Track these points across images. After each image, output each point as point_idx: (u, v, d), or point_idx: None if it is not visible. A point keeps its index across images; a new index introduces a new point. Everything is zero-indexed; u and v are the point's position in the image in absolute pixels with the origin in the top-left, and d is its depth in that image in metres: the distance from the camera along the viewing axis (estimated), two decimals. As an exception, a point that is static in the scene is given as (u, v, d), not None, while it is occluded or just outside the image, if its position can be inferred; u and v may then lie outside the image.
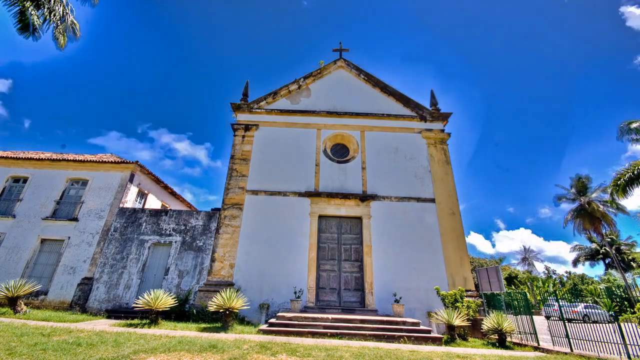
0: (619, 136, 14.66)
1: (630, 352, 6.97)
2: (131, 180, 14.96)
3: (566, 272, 47.62)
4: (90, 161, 15.01)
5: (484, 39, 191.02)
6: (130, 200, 15.00)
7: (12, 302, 10.25)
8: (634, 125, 14.24)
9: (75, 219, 13.83)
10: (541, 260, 47.93)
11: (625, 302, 8.32)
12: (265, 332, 8.85)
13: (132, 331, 7.91)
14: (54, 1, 9.46)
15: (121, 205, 14.16)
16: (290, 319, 9.62)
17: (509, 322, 9.31)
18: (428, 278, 12.21)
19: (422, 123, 15.60)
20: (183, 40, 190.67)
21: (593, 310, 19.48)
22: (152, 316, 9.59)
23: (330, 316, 9.88)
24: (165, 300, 9.83)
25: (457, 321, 9.68)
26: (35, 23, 9.33)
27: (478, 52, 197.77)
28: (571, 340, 8.20)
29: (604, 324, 8.46)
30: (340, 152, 15.33)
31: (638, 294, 8.67)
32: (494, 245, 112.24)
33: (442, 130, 15.35)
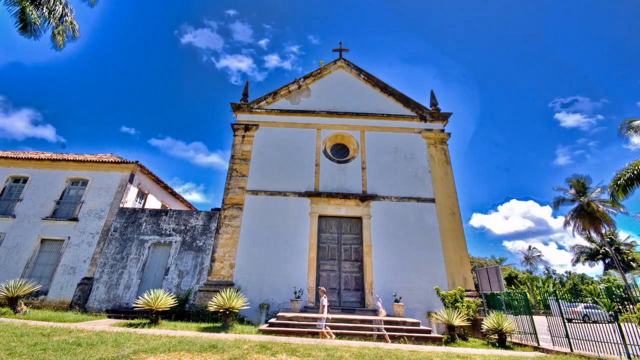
0: (620, 134, 14.74)
1: (630, 352, 6.97)
2: (131, 180, 14.96)
3: (566, 272, 47.68)
4: (90, 161, 15.01)
5: (483, 39, 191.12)
6: (130, 200, 15.00)
7: (12, 302, 10.24)
8: (634, 123, 14.26)
9: (75, 219, 13.82)
10: (543, 259, 47.85)
11: (625, 302, 8.31)
12: (265, 332, 8.85)
13: (132, 331, 7.90)
14: (54, 1, 9.45)
15: (121, 205, 14.15)
16: (290, 319, 9.62)
17: (509, 322, 9.30)
18: (428, 278, 12.21)
19: (422, 123, 15.60)
20: (182, 40, 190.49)
21: (593, 310, 19.50)
22: (152, 316, 9.60)
23: (330, 316, 9.87)
24: (165, 300, 9.83)
25: (457, 321, 9.68)
26: (35, 23, 9.33)
27: (478, 52, 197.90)
28: (571, 340, 8.19)
29: (604, 324, 8.46)
30: (340, 152, 15.33)
31: (638, 294, 8.66)
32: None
33: (442, 130, 15.35)
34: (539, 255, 46.65)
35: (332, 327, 9.12)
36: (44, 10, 9.38)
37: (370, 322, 9.58)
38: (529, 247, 47.84)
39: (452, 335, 9.57)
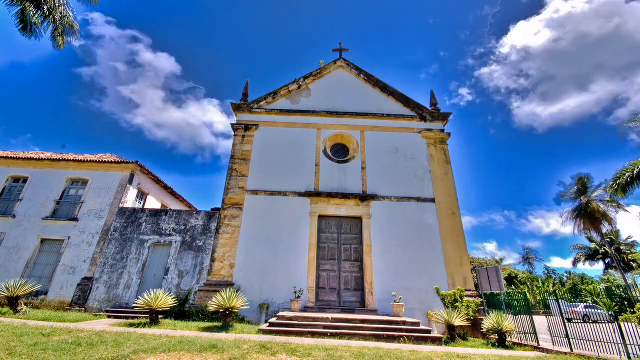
0: (619, 137, 14.74)
1: (630, 352, 6.97)
2: (131, 180, 14.96)
3: (566, 272, 47.70)
4: (90, 161, 15.01)
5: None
6: (130, 200, 15.00)
7: (12, 302, 10.24)
8: (633, 123, 14.25)
9: (75, 219, 13.83)
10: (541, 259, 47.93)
11: (625, 302, 8.30)
12: (265, 332, 8.85)
13: (132, 331, 7.91)
14: (54, 1, 9.45)
15: (121, 205, 14.15)
16: (290, 319, 9.61)
17: (509, 322, 9.30)
18: (428, 278, 12.21)
19: (422, 123, 15.60)
20: (183, 40, 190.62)
21: (593, 310, 19.50)
22: (152, 316, 9.58)
23: (330, 316, 9.88)
24: (165, 300, 9.82)
25: (457, 321, 9.68)
26: (35, 23, 9.33)
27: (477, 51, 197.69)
28: (571, 340, 8.19)
29: (604, 324, 8.46)
30: (340, 152, 15.32)
31: (638, 294, 8.67)
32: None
33: (442, 130, 15.35)
34: (536, 255, 46.71)
35: (332, 327, 9.12)
36: (45, 10, 9.37)
37: (370, 322, 9.57)
38: (527, 248, 47.90)
39: (452, 335, 9.57)
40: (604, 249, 35.46)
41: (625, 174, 13.41)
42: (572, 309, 19.78)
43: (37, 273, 13.03)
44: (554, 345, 8.81)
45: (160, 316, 9.96)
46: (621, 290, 8.45)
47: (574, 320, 16.30)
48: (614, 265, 33.69)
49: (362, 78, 16.78)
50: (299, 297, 11.40)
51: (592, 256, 37.66)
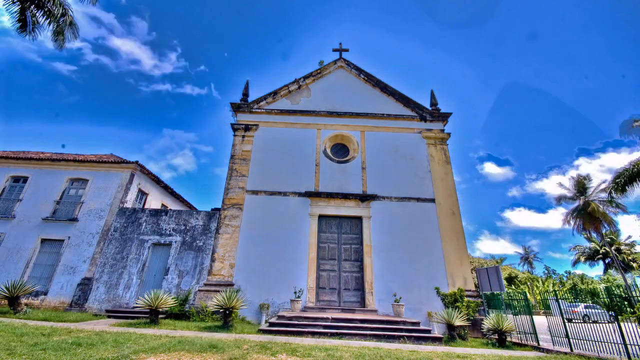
0: (621, 135, 14.73)
1: (630, 352, 6.97)
2: (131, 180, 14.95)
3: (566, 272, 47.73)
4: (90, 161, 15.00)
5: (485, 39, 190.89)
6: (130, 200, 14.99)
7: (12, 302, 10.25)
8: (636, 124, 14.26)
9: (75, 219, 13.82)
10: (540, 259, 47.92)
11: (625, 302, 8.30)
12: (265, 332, 8.85)
13: (132, 331, 7.91)
14: (54, 1, 9.44)
15: (121, 205, 14.15)
16: (290, 318, 9.61)
17: (508, 322, 9.30)
18: (428, 278, 12.21)
19: (422, 123, 15.60)
20: (183, 40, 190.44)
21: (593, 310, 19.51)
22: (152, 316, 9.59)
23: (330, 316, 9.88)
24: (165, 300, 9.83)
25: (457, 321, 9.68)
26: (34, 22, 9.32)
27: (478, 51, 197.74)
28: (571, 340, 8.19)
29: (604, 324, 8.45)
30: (340, 152, 15.32)
31: (638, 294, 8.66)
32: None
33: (442, 130, 15.35)
34: (536, 254, 46.75)
35: (332, 327, 9.12)
36: (45, 10, 9.36)
37: (370, 321, 9.57)
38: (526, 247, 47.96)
39: (452, 335, 9.57)
40: (604, 249, 35.47)
41: (625, 174, 13.44)
42: (572, 309, 19.79)
43: (37, 273, 13.01)
44: (554, 345, 8.81)
45: (160, 316, 9.96)
46: (621, 290, 8.44)
47: (574, 320, 16.30)
48: (614, 265, 33.70)
49: (362, 78, 16.78)
50: (299, 297, 11.40)
51: (592, 256, 37.67)
